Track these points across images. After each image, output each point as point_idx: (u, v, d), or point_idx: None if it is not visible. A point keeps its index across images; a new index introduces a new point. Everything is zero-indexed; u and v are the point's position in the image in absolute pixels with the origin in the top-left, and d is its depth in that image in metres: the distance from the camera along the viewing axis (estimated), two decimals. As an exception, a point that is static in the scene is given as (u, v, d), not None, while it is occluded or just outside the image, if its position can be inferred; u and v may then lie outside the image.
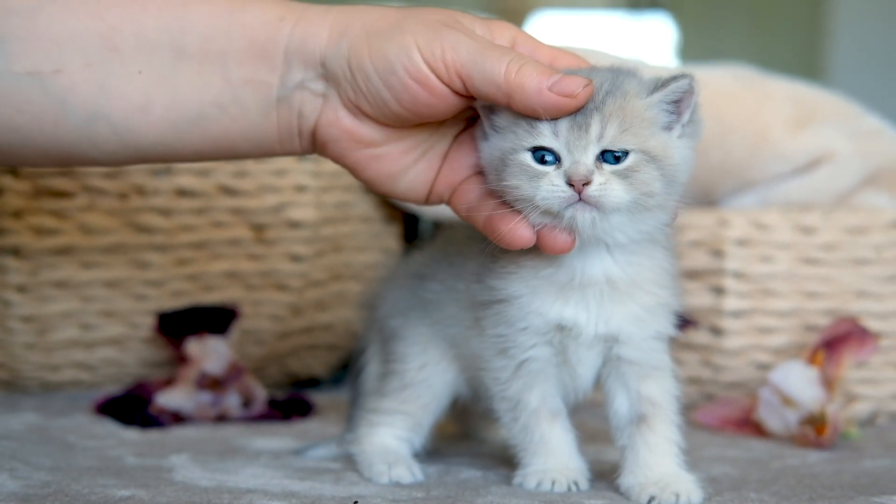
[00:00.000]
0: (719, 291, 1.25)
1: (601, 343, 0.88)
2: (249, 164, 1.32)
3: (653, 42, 6.12)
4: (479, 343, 0.91)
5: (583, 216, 0.81)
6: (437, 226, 1.43)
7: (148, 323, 1.30)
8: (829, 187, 1.38)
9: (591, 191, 0.80)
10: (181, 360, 1.23)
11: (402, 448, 0.96)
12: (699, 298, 1.26)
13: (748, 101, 1.43)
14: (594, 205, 0.81)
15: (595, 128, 0.81)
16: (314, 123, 0.88)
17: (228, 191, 1.32)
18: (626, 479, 0.88)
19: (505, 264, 0.88)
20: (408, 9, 0.88)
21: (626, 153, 0.81)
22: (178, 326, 1.25)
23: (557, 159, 0.82)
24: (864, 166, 1.40)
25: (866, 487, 0.91)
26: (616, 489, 0.88)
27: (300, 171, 1.35)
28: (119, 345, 1.31)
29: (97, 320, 1.29)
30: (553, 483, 0.88)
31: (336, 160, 0.90)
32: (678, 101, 0.83)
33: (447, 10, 0.87)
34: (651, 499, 0.85)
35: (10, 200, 1.24)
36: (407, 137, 0.88)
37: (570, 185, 0.80)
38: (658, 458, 0.87)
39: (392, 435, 0.96)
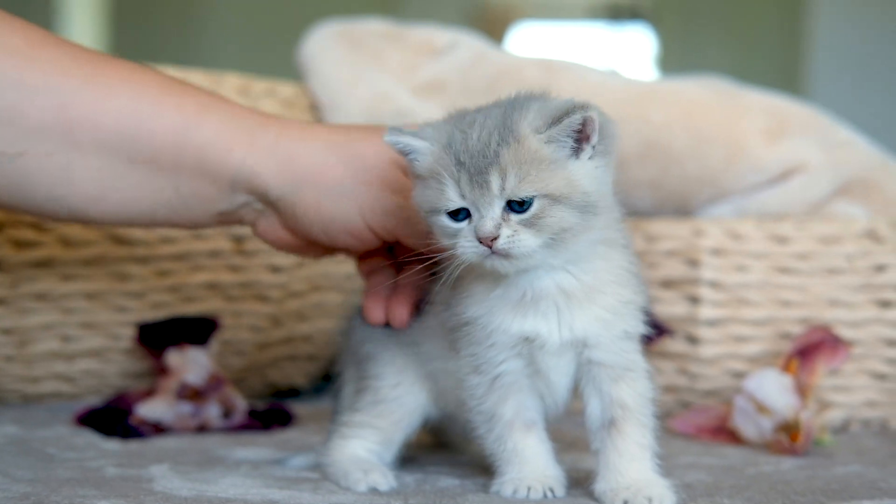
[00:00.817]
0: (694, 300, 1.27)
1: (570, 349, 0.89)
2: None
3: (632, 53, 6.15)
4: (455, 363, 0.93)
5: (501, 264, 0.84)
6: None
7: (128, 334, 1.30)
8: (802, 197, 1.40)
9: (499, 244, 0.83)
10: (161, 371, 1.23)
11: (374, 459, 0.97)
12: (675, 307, 1.28)
13: (723, 113, 1.44)
14: (505, 256, 0.84)
15: (495, 182, 0.83)
16: (252, 224, 1.00)
17: (208, 203, 1.32)
18: (600, 485, 0.89)
19: (463, 289, 0.90)
20: (360, 153, 0.96)
21: (531, 200, 0.83)
22: (158, 337, 1.26)
23: (469, 214, 0.85)
24: (836, 177, 1.42)
25: (837, 493, 0.92)
26: (591, 495, 0.89)
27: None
28: (99, 356, 1.31)
29: (77, 332, 1.29)
30: (528, 489, 0.89)
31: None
32: (579, 130, 0.84)
33: (379, 152, 0.96)
34: (625, 503, 0.85)
35: (-11, 215, 1.24)
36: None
37: (480, 241, 0.83)
38: (628, 462, 0.88)
39: (363, 447, 0.98)
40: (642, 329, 0.91)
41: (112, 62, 0.97)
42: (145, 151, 0.94)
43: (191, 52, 5.42)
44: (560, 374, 0.91)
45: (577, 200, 0.84)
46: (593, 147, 0.85)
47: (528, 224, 0.83)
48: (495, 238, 0.83)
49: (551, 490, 0.89)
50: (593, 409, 0.90)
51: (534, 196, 0.83)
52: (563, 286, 0.87)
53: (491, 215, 0.83)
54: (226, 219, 1.00)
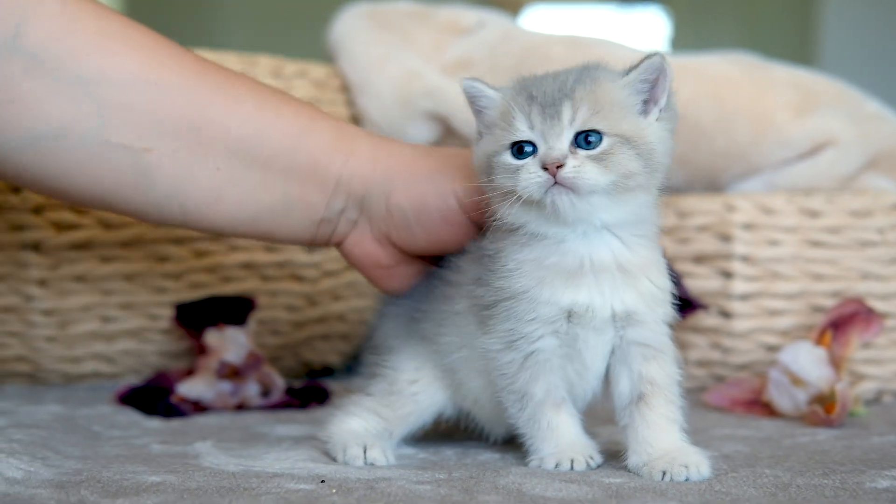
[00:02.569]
0: (727, 275, 1.27)
1: (612, 326, 0.89)
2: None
3: (645, 34, 6.12)
4: (484, 343, 0.91)
5: (561, 199, 0.84)
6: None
7: (167, 315, 1.32)
8: (832, 171, 1.40)
9: (564, 173, 0.83)
10: (200, 350, 1.25)
11: (372, 437, 0.96)
12: (708, 282, 1.29)
13: (751, 88, 1.44)
14: (570, 187, 0.84)
15: (566, 113, 0.84)
16: (344, 239, 1.02)
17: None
18: (633, 459, 0.89)
19: (506, 262, 0.90)
20: (447, 154, 0.99)
21: (599, 137, 0.84)
22: (196, 317, 1.27)
23: (535, 149, 0.85)
24: (866, 150, 1.42)
25: (876, 462, 0.93)
26: (626, 470, 0.90)
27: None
28: (138, 336, 1.33)
29: (117, 313, 1.31)
30: (572, 462, 0.89)
31: (357, 268, 1.05)
32: (653, 83, 0.86)
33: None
34: (664, 474, 0.86)
35: (30, 196, 1.26)
36: (417, 262, 1.02)
37: (545, 168, 0.84)
38: (657, 433, 0.88)
39: (363, 427, 0.97)
40: (675, 318, 0.92)
41: (233, 72, 1.01)
42: (263, 155, 0.98)
43: (217, 35, 5.42)
44: (595, 355, 0.91)
45: (644, 150, 0.85)
46: (660, 110, 0.86)
47: (596, 159, 0.84)
48: (561, 165, 0.83)
49: (591, 458, 0.90)
50: (623, 386, 0.91)
51: (603, 133, 0.84)
52: (620, 259, 0.88)
53: (559, 145, 0.84)
54: (322, 230, 1.02)
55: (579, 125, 0.84)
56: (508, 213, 0.88)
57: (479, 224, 0.95)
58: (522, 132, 0.86)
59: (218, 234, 1.15)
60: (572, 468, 0.89)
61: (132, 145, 0.94)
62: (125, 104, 0.93)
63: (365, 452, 0.93)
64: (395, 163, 0.99)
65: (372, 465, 0.92)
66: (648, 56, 0.86)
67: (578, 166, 0.83)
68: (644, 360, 0.90)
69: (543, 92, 0.86)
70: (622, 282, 0.88)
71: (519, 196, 0.85)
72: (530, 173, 0.84)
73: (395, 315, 1.02)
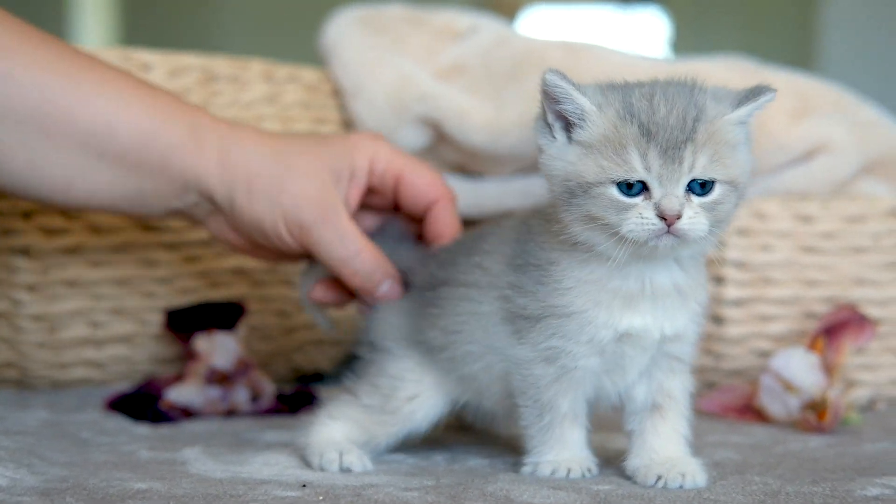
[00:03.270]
0: (720, 280, 1.27)
1: (659, 344, 0.88)
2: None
3: (645, 35, 6.12)
4: (520, 351, 0.89)
5: (664, 243, 0.82)
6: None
7: (157, 320, 1.31)
8: (827, 177, 1.40)
9: (681, 224, 0.80)
10: (190, 356, 1.24)
11: (349, 443, 0.95)
12: (700, 288, 1.28)
13: (746, 93, 1.44)
14: (680, 236, 0.81)
15: (688, 159, 0.80)
16: (203, 223, 1.09)
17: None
18: (633, 462, 0.89)
19: (561, 279, 0.86)
20: (298, 151, 1.06)
21: (713, 184, 0.81)
22: (186, 323, 1.27)
23: (644, 188, 0.81)
24: (861, 156, 1.41)
25: (867, 469, 0.93)
26: (622, 473, 0.90)
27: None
28: (128, 342, 1.32)
29: (106, 318, 1.30)
30: (568, 471, 0.89)
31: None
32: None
33: (326, 149, 1.07)
34: (658, 478, 0.86)
35: (18, 201, 1.25)
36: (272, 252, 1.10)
37: (662, 217, 0.80)
38: (664, 442, 0.89)
39: (344, 436, 0.96)
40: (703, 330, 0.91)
41: (93, 63, 1.05)
42: (113, 150, 1.03)
43: (210, 38, 5.42)
44: (636, 368, 0.89)
45: (742, 191, 0.83)
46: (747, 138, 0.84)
47: (708, 208, 0.81)
48: (678, 216, 0.80)
49: (589, 470, 0.90)
50: (639, 392, 0.90)
51: (718, 179, 0.82)
52: (678, 284, 0.86)
53: (677, 192, 0.80)
54: (179, 215, 1.09)
55: (699, 173, 0.81)
56: (582, 234, 0.84)
57: (302, 251, 1.05)
58: (637, 172, 0.81)
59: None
60: (568, 476, 0.89)
61: None
62: None
63: (341, 457, 0.92)
64: (242, 166, 1.04)
65: (348, 470, 0.91)
66: (761, 90, 0.82)
67: (693, 217, 0.81)
68: (670, 373, 0.90)
69: (658, 126, 0.80)
70: (677, 304, 0.87)
71: (621, 236, 0.81)
72: (643, 218, 0.80)
73: (392, 314, 1.00)
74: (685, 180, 0.81)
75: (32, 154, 1.01)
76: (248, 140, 1.05)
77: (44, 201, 1.07)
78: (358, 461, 0.92)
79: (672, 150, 0.80)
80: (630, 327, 0.86)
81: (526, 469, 0.91)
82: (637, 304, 0.86)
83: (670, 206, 0.80)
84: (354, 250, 1.02)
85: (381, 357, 0.98)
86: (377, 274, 1.03)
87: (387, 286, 1.03)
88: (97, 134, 1.02)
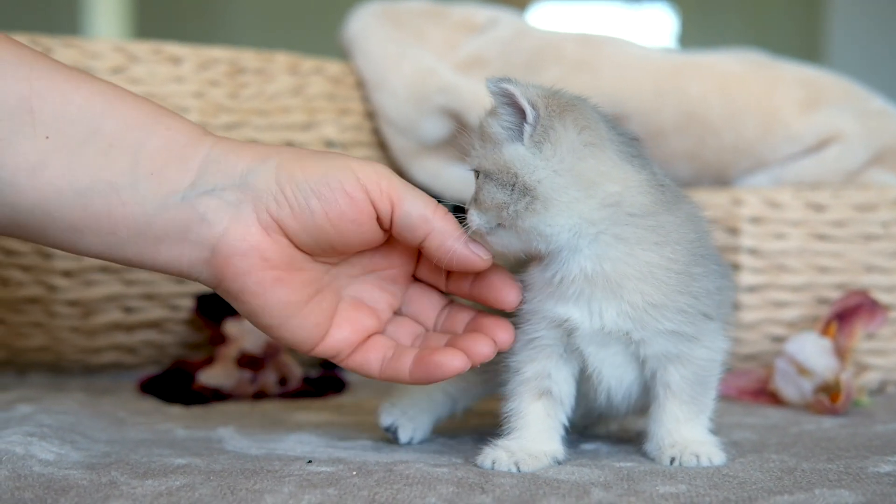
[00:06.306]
0: (735, 267, 1.30)
1: (611, 340, 0.88)
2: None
3: (652, 31, 6.12)
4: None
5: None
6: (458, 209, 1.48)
7: (187, 305, 1.34)
8: (837, 166, 1.42)
9: (467, 220, 0.86)
10: (220, 339, 1.28)
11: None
12: (715, 274, 1.31)
13: (759, 84, 1.47)
14: (476, 231, 0.86)
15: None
16: (220, 233, 0.83)
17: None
18: (649, 445, 0.92)
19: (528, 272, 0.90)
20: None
21: (476, 176, 0.86)
22: (216, 308, 1.30)
23: None
24: (871, 145, 1.44)
25: (879, 448, 0.95)
26: (643, 454, 0.93)
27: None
28: (159, 327, 1.35)
29: (139, 304, 1.34)
30: (493, 462, 0.88)
31: (234, 280, 0.84)
32: (514, 108, 0.84)
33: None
34: (672, 459, 0.88)
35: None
36: (311, 269, 0.87)
37: None
38: (669, 430, 0.90)
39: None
40: (689, 329, 0.88)
41: (79, 72, 0.86)
42: (110, 127, 0.83)
43: (233, 32, 5.44)
44: (610, 367, 0.90)
45: (506, 179, 0.86)
46: (532, 129, 0.85)
47: (474, 200, 0.88)
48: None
49: (517, 465, 0.87)
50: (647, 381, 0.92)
51: (474, 170, 0.88)
52: (586, 272, 0.88)
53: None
54: (183, 216, 0.84)
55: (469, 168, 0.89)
56: None
57: (379, 212, 0.85)
58: None
59: (44, 239, 0.85)
60: (493, 468, 0.87)
61: None
62: None
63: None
64: (278, 148, 0.87)
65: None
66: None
67: (468, 213, 0.88)
68: (667, 363, 0.89)
69: None
70: (592, 296, 0.89)
71: None
72: None
73: None
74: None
75: (4, 130, 0.80)
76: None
77: (1, 188, 0.82)
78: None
79: None
80: (554, 314, 0.88)
81: (481, 460, 0.90)
82: (561, 291, 0.87)
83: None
84: (434, 204, 0.87)
85: None
86: (457, 230, 0.87)
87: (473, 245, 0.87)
88: (91, 111, 0.83)
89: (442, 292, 0.93)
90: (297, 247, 0.85)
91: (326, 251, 0.87)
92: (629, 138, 0.88)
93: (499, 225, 0.85)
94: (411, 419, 0.99)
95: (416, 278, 0.93)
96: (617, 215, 0.84)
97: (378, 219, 0.86)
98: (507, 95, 0.84)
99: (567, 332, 0.89)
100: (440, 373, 0.86)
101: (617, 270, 0.85)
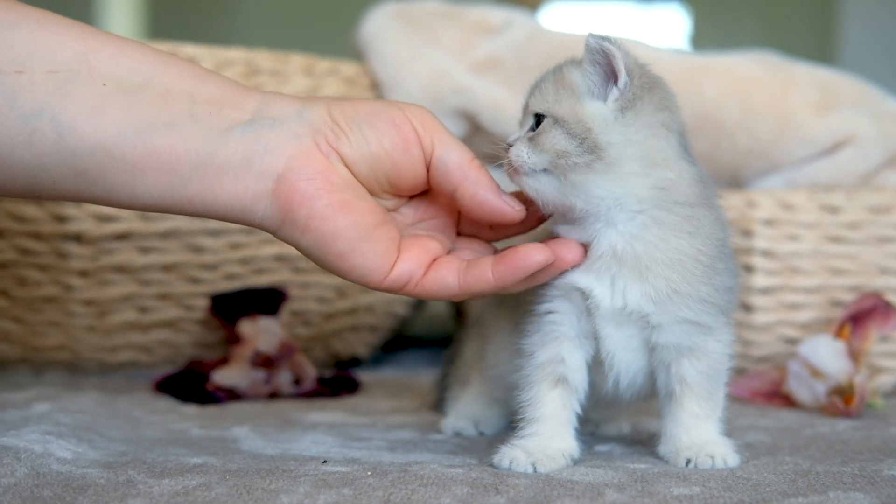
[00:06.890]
0: (748, 269, 1.30)
1: (629, 322, 0.89)
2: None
3: (665, 32, 6.12)
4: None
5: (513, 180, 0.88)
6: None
7: (202, 305, 1.35)
8: (852, 168, 1.42)
9: (510, 153, 0.87)
10: (235, 339, 1.28)
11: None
12: (729, 276, 1.31)
13: (774, 86, 1.47)
14: (515, 168, 0.87)
15: (527, 100, 0.89)
16: (284, 162, 0.84)
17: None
18: (663, 447, 0.92)
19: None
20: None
21: (539, 119, 0.87)
22: (231, 308, 1.31)
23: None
24: (885, 148, 1.44)
25: (894, 451, 0.95)
26: (656, 455, 0.93)
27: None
28: (174, 327, 1.36)
29: (154, 303, 1.34)
30: (511, 462, 0.87)
31: (301, 207, 0.84)
32: (608, 66, 0.85)
33: None
34: (688, 461, 0.88)
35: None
36: (373, 202, 0.87)
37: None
38: (685, 429, 0.90)
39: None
40: (711, 321, 0.89)
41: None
42: (166, 77, 0.84)
43: (247, 32, 5.45)
44: (620, 349, 0.91)
45: (578, 131, 0.87)
46: (620, 91, 0.88)
47: (530, 139, 0.89)
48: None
49: (534, 466, 0.87)
50: (661, 379, 0.92)
51: (541, 113, 0.89)
52: (615, 249, 0.89)
53: (518, 133, 0.92)
54: (245, 145, 0.84)
55: (532, 110, 0.90)
56: None
57: (424, 151, 0.86)
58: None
59: (102, 186, 0.84)
60: (510, 468, 0.87)
61: (1, 69, 0.81)
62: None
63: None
64: (326, 98, 0.88)
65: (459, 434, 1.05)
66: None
67: (516, 147, 0.89)
68: (680, 356, 0.90)
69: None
70: (620, 274, 0.90)
71: None
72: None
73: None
74: (529, 120, 0.89)
75: (56, 82, 0.82)
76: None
77: (62, 143, 0.82)
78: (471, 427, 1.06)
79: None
80: (574, 283, 0.88)
81: (495, 459, 0.90)
82: (589, 264, 0.88)
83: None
84: (470, 155, 0.88)
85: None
86: (491, 181, 0.88)
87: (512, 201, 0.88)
88: (149, 67, 0.85)
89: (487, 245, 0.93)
90: (357, 178, 0.86)
91: (384, 186, 0.88)
92: (685, 132, 0.91)
93: (545, 170, 0.86)
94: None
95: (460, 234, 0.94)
96: (663, 200, 0.86)
97: (423, 159, 0.87)
98: (605, 55, 0.85)
99: (586, 311, 0.89)
100: (526, 263, 0.85)
101: (647, 253, 0.87)
